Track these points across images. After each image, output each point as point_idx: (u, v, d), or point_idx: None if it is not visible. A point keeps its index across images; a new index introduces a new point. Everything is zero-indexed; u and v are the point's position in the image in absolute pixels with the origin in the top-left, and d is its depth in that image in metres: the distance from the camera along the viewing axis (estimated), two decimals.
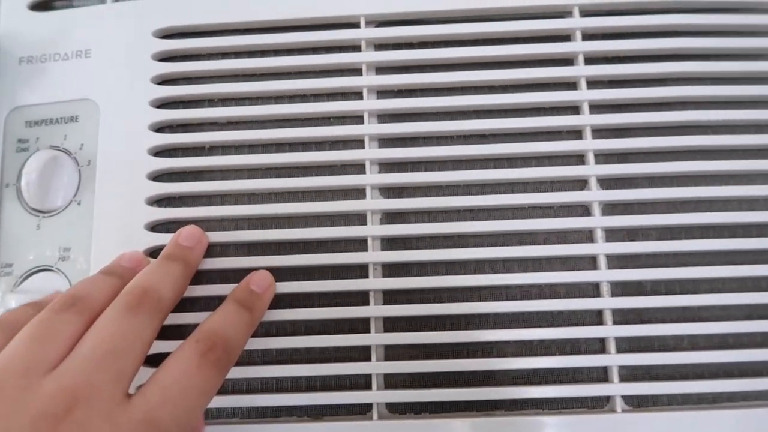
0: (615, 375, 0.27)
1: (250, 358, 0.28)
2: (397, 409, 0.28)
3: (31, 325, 0.21)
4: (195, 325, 0.26)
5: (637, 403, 0.28)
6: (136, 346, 0.21)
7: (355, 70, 0.31)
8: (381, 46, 0.31)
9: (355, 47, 0.31)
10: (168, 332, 0.28)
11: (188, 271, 0.26)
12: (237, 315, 0.25)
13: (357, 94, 0.30)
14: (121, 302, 0.22)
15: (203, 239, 0.28)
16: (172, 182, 0.30)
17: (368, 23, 0.31)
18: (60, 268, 0.29)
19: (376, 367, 0.28)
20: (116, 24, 0.31)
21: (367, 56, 0.30)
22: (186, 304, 0.28)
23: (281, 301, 0.28)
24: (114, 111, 0.30)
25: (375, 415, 0.27)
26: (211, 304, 0.28)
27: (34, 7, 0.32)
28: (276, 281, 0.28)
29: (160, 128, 0.31)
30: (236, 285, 0.27)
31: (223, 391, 0.28)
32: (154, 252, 0.29)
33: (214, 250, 0.29)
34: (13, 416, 0.18)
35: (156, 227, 0.29)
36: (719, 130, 0.30)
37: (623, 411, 0.27)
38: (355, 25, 0.31)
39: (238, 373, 0.28)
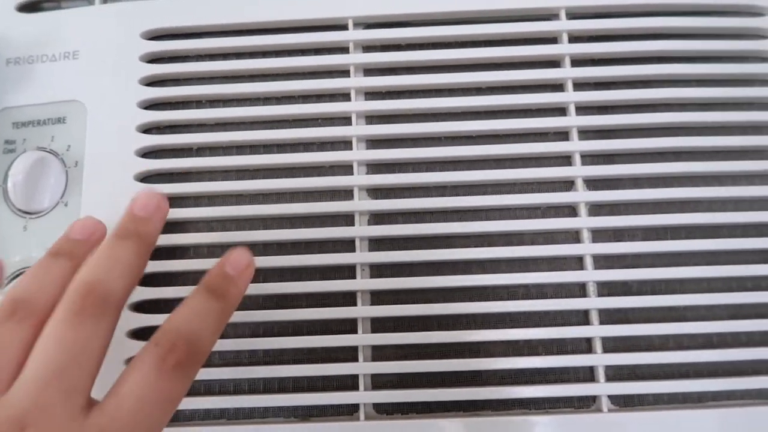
0: (601, 375, 0.27)
1: (237, 359, 0.28)
2: (385, 410, 0.28)
3: None
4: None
5: (624, 402, 0.28)
6: (84, 359, 0.20)
7: (343, 72, 0.31)
8: (369, 47, 0.31)
9: (343, 49, 0.31)
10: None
11: (144, 248, 0.24)
12: (205, 307, 0.23)
13: (345, 96, 0.30)
14: (64, 308, 0.21)
15: (163, 205, 0.26)
16: (160, 183, 0.30)
17: (356, 25, 0.31)
18: None
19: (363, 367, 0.28)
20: (104, 25, 0.31)
21: (355, 58, 0.31)
22: (171, 306, 0.28)
23: (269, 301, 0.28)
24: (102, 112, 0.30)
25: (362, 416, 0.27)
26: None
27: (22, 9, 0.32)
28: (264, 282, 0.28)
29: (148, 129, 0.31)
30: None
31: (209, 392, 0.28)
32: None
33: (201, 251, 0.29)
34: None
35: None
36: (704, 132, 0.30)
37: (609, 410, 0.27)
38: (343, 27, 0.31)
39: (224, 374, 0.28)
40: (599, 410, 0.27)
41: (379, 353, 0.28)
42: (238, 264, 0.25)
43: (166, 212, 0.26)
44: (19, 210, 0.30)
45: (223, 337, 0.24)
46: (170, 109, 0.31)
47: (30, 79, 0.31)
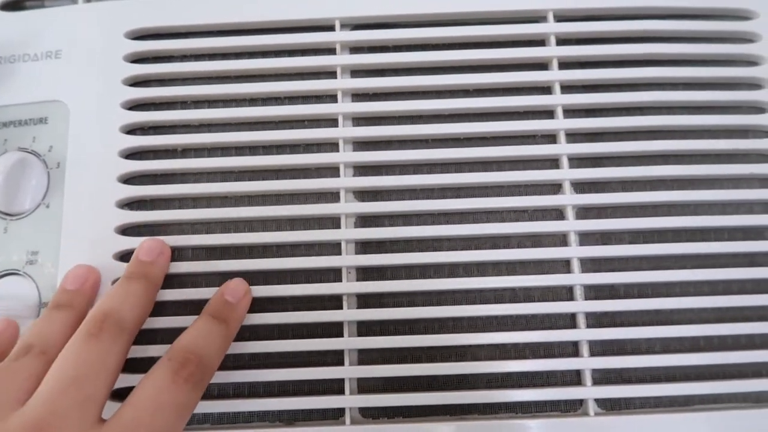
0: (588, 378, 0.27)
1: (222, 363, 0.28)
2: (371, 414, 0.28)
3: None
4: (168, 330, 0.26)
5: (610, 406, 0.28)
6: (101, 372, 0.21)
7: (329, 73, 0.30)
8: (356, 49, 0.31)
9: (329, 50, 0.31)
10: (139, 338, 0.27)
11: (151, 287, 0.26)
12: (210, 329, 0.25)
13: (332, 97, 0.30)
14: (82, 331, 0.23)
15: (165, 251, 0.28)
16: (144, 185, 0.29)
17: (343, 26, 0.31)
18: (28, 272, 0.29)
19: (349, 371, 0.27)
20: (87, 25, 0.31)
21: (342, 59, 0.30)
22: (157, 310, 0.28)
23: (254, 305, 0.28)
24: (84, 113, 0.30)
25: (348, 420, 0.27)
26: (183, 309, 0.28)
27: (4, 7, 0.32)
28: (249, 285, 0.28)
29: (132, 130, 0.30)
30: (211, 293, 0.27)
31: None
32: (124, 256, 0.29)
33: (186, 254, 0.29)
34: None
35: (126, 231, 0.29)
36: (691, 135, 0.30)
37: (596, 414, 0.27)
38: (330, 27, 0.31)
39: None
40: (586, 414, 0.27)
41: (365, 357, 0.28)
42: (236, 292, 0.27)
43: (169, 257, 0.28)
44: (0, 211, 0.29)
45: None
46: (154, 110, 0.30)
47: (11, 79, 0.31)
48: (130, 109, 0.30)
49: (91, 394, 0.21)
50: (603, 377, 0.28)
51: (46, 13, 0.32)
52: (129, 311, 0.24)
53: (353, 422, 0.27)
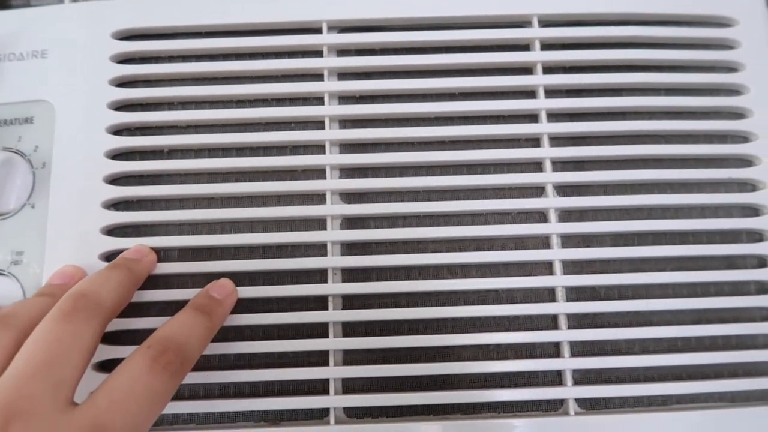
0: (569, 378, 0.28)
1: (207, 363, 0.28)
2: (355, 414, 0.28)
3: None
4: (152, 330, 0.26)
5: (590, 405, 0.28)
6: (74, 352, 0.21)
7: (316, 75, 0.31)
8: (343, 51, 0.31)
9: (317, 52, 0.31)
10: (124, 338, 0.28)
11: (132, 278, 0.26)
12: (193, 320, 0.25)
13: (318, 99, 0.30)
14: (56, 309, 0.22)
15: (150, 254, 0.28)
16: (130, 186, 0.29)
17: (330, 29, 0.31)
18: (12, 273, 0.29)
19: (333, 371, 0.28)
20: (74, 24, 0.31)
21: (329, 62, 0.30)
22: (142, 310, 0.28)
23: (240, 305, 0.28)
24: (70, 113, 0.30)
25: (332, 420, 0.27)
26: (168, 309, 0.28)
27: None
28: (235, 286, 0.28)
29: (118, 131, 0.30)
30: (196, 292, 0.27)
31: (179, 396, 0.28)
32: (110, 256, 0.29)
33: (172, 254, 0.29)
34: None
35: (113, 231, 0.29)
36: (672, 140, 0.31)
37: (576, 414, 0.28)
38: (317, 30, 0.31)
39: (194, 378, 0.27)
40: (566, 413, 0.28)
41: (350, 357, 0.28)
42: (222, 289, 0.27)
43: (154, 260, 0.28)
44: None
45: None
46: (141, 111, 0.30)
47: None
48: (117, 109, 0.30)
49: (62, 376, 0.20)
50: (583, 377, 0.28)
51: (33, 12, 0.31)
52: (107, 293, 0.24)
53: (338, 422, 0.27)
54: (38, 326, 0.21)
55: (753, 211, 0.30)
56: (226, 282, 0.28)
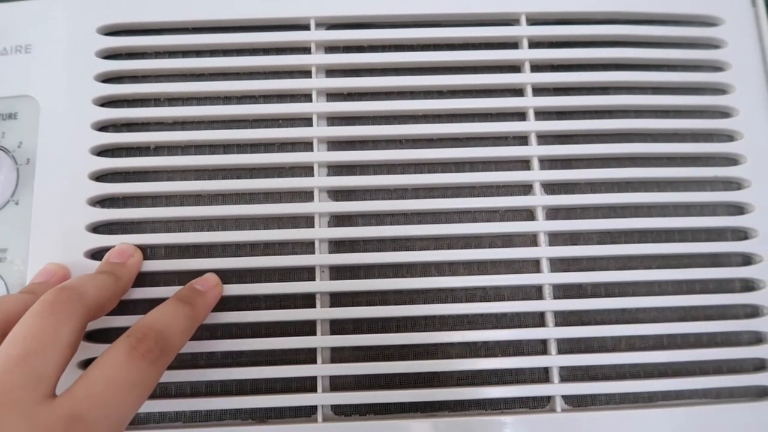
0: (556, 375, 0.28)
1: (194, 361, 0.28)
2: (343, 411, 0.28)
3: None
4: None
5: (577, 402, 0.28)
6: (54, 347, 0.20)
7: (304, 72, 0.30)
8: (331, 48, 0.31)
9: (305, 49, 0.31)
10: (109, 336, 0.27)
11: (118, 282, 0.26)
12: (176, 310, 0.25)
13: (306, 96, 0.30)
14: (39, 303, 0.22)
15: (136, 255, 0.28)
16: (116, 182, 0.29)
17: (318, 25, 0.31)
18: None
19: (321, 369, 0.28)
20: (59, 19, 0.30)
21: (317, 59, 0.30)
22: (128, 308, 0.28)
23: (227, 303, 0.28)
24: (55, 108, 0.30)
25: (320, 417, 0.27)
26: (154, 307, 0.27)
27: None
28: (222, 283, 0.28)
29: (104, 127, 0.30)
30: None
31: (165, 394, 0.28)
32: (95, 254, 0.28)
33: (158, 252, 0.29)
34: None
35: (98, 228, 0.29)
36: (658, 138, 0.31)
37: (563, 410, 0.28)
38: (305, 27, 0.31)
39: (181, 376, 0.27)
40: (553, 410, 0.28)
41: (338, 355, 0.28)
42: (207, 282, 0.27)
43: (140, 261, 0.28)
44: None
45: None
46: (127, 107, 0.30)
47: None
48: (102, 105, 0.30)
49: (41, 370, 0.20)
50: (570, 374, 0.28)
51: (16, 6, 0.31)
52: (90, 290, 0.23)
53: (325, 419, 0.27)
54: (20, 320, 0.21)
55: (738, 209, 0.30)
56: (210, 275, 0.28)
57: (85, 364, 0.27)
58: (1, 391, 0.19)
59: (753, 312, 0.30)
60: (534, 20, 0.31)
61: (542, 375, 0.28)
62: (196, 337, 0.27)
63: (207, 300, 0.26)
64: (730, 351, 0.29)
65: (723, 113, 0.31)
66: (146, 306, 0.28)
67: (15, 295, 0.25)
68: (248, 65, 0.30)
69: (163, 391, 0.28)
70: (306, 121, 0.30)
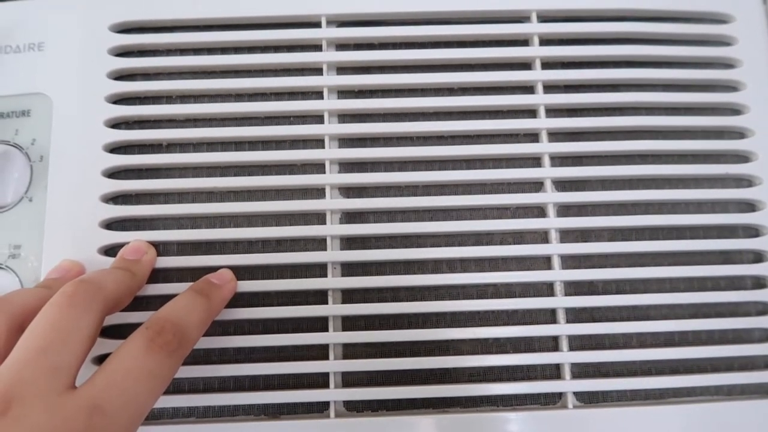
0: (567, 372, 0.28)
1: (207, 357, 0.28)
2: (355, 407, 0.28)
3: None
4: None
5: (588, 399, 0.28)
6: (73, 339, 0.21)
7: (315, 70, 0.31)
8: (342, 46, 0.31)
9: (316, 47, 0.31)
10: (124, 332, 0.27)
11: (134, 279, 0.26)
12: (193, 302, 0.25)
13: (317, 94, 0.30)
14: (58, 295, 0.22)
15: (150, 252, 0.28)
16: (129, 179, 0.29)
17: (329, 23, 0.31)
18: (10, 266, 0.28)
19: (333, 365, 0.28)
20: (71, 17, 0.31)
21: (328, 56, 0.30)
22: (142, 304, 0.28)
23: (240, 299, 0.28)
24: (68, 106, 0.30)
25: (332, 413, 0.27)
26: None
27: None
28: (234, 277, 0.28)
29: (116, 124, 0.30)
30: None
31: (179, 390, 0.28)
32: (108, 250, 0.29)
33: (171, 248, 0.29)
34: None
35: (111, 225, 0.29)
36: (669, 135, 0.31)
37: (574, 407, 0.28)
38: (316, 24, 0.31)
39: (195, 372, 0.28)
40: (565, 407, 0.28)
41: (350, 351, 0.28)
42: (222, 277, 0.28)
43: (154, 258, 0.28)
44: None
45: None
46: (139, 104, 0.30)
47: None
48: (115, 102, 0.30)
49: (61, 362, 0.20)
50: (581, 371, 0.29)
51: (29, 4, 0.31)
52: (108, 283, 0.24)
53: (338, 415, 0.27)
54: (40, 312, 0.21)
55: (749, 206, 0.30)
56: (225, 271, 0.28)
57: (100, 359, 0.27)
58: (23, 381, 0.19)
59: (764, 309, 0.30)
60: (545, 17, 0.31)
61: (554, 372, 0.29)
62: (208, 333, 0.28)
63: (223, 294, 0.27)
64: (742, 348, 0.29)
65: (734, 110, 0.31)
66: (159, 302, 0.28)
67: (31, 288, 0.25)
68: (259, 62, 0.30)
69: (176, 387, 0.28)
70: (317, 118, 0.30)
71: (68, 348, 0.21)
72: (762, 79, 0.31)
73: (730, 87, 0.32)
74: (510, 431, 0.27)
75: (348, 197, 0.30)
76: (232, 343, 0.28)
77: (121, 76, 0.30)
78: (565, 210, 0.30)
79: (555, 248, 0.29)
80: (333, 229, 0.29)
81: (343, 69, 0.31)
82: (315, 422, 0.27)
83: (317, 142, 0.30)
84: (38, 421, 0.19)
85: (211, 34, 0.30)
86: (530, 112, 0.31)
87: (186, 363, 0.27)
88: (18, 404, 0.19)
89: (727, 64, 0.32)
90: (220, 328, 0.28)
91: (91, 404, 0.19)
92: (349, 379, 0.28)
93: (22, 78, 0.30)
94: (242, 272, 0.28)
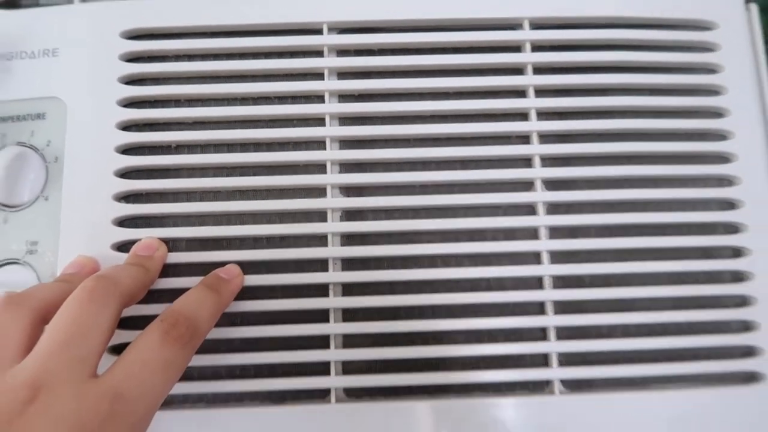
0: (554, 361, 0.30)
1: (215, 347, 0.30)
2: (354, 394, 0.30)
3: None
4: None
5: (574, 386, 0.30)
6: (93, 331, 0.22)
7: (317, 75, 0.32)
8: (342, 52, 0.32)
9: (317, 53, 0.32)
10: (138, 323, 0.29)
11: (147, 274, 0.28)
12: (204, 296, 0.26)
13: (319, 98, 0.32)
14: (79, 290, 0.23)
15: (161, 248, 0.30)
16: (140, 179, 0.31)
17: (331, 30, 0.32)
18: (28, 262, 0.30)
19: (334, 354, 0.29)
20: (84, 24, 0.32)
21: (329, 62, 0.32)
22: (153, 298, 0.29)
23: (246, 293, 0.30)
24: (81, 109, 0.31)
25: (333, 399, 0.29)
26: (177, 297, 0.29)
27: (0, 6, 0.33)
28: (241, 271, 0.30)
29: (128, 127, 0.31)
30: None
31: (189, 377, 0.29)
32: (121, 246, 0.30)
33: (180, 245, 0.31)
34: None
35: (123, 222, 0.31)
36: (655, 137, 0.32)
37: (561, 393, 0.30)
38: (318, 31, 0.32)
39: (204, 360, 0.29)
40: (552, 393, 0.29)
41: (350, 341, 0.30)
42: (230, 272, 0.29)
43: (165, 254, 0.30)
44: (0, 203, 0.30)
45: None
46: (149, 108, 0.32)
47: (9, 76, 0.32)
48: (126, 106, 0.31)
49: (83, 353, 0.22)
50: (568, 360, 0.30)
51: (43, 11, 0.33)
52: (124, 278, 0.25)
53: (338, 401, 0.29)
54: (62, 307, 0.23)
55: (729, 204, 0.32)
56: (232, 266, 0.30)
57: (116, 349, 0.29)
58: (49, 371, 0.21)
59: (742, 302, 0.31)
60: (536, 25, 0.33)
61: (542, 360, 0.30)
62: (217, 324, 0.29)
63: (231, 287, 0.28)
64: (720, 338, 0.30)
65: (716, 113, 0.33)
66: (171, 295, 0.29)
67: (51, 283, 0.27)
68: (264, 68, 0.32)
69: (187, 375, 0.29)
70: (319, 121, 0.32)
71: (89, 341, 0.22)
72: (743, 83, 0.33)
73: (713, 91, 0.33)
74: (500, 416, 0.29)
75: (348, 196, 0.31)
76: (239, 333, 0.29)
77: (131, 80, 0.32)
78: (554, 208, 0.31)
79: (544, 244, 0.31)
80: (334, 226, 0.30)
81: (343, 74, 0.32)
82: (317, 407, 0.29)
83: (319, 144, 0.31)
84: (65, 406, 0.20)
85: (217, 41, 0.32)
86: (522, 115, 0.32)
87: (196, 352, 0.29)
88: (46, 392, 0.20)
89: (710, 69, 0.33)
90: (228, 319, 0.30)
91: (112, 392, 0.21)
92: (349, 368, 0.30)
93: (37, 82, 0.32)
94: (248, 267, 0.30)
